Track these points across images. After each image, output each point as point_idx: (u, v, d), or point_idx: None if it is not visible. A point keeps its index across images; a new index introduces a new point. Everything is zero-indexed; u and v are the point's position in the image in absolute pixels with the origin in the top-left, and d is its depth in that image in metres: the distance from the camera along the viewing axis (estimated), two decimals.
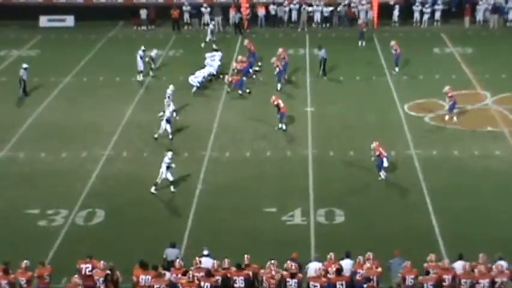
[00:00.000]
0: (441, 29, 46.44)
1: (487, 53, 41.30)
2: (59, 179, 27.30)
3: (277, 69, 35.42)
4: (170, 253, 20.38)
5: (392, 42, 37.93)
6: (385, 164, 26.34)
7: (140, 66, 37.23)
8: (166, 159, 25.99)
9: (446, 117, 31.66)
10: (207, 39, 43.02)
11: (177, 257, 20.00)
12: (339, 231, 23.45)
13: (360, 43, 43.03)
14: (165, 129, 29.84)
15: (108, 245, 22.39)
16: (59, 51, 43.45)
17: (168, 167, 25.92)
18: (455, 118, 31.50)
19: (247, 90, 34.99)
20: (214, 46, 41.01)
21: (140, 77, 37.32)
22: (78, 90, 36.68)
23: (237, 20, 46.66)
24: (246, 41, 39.36)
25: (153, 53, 38.37)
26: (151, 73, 37.93)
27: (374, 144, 26.73)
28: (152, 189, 25.92)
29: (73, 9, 49.25)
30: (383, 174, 26.52)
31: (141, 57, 37.22)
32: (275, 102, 30.91)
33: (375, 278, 18.46)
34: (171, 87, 32.20)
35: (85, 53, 42.05)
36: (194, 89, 35.37)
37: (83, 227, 24.12)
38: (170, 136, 29.76)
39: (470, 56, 40.80)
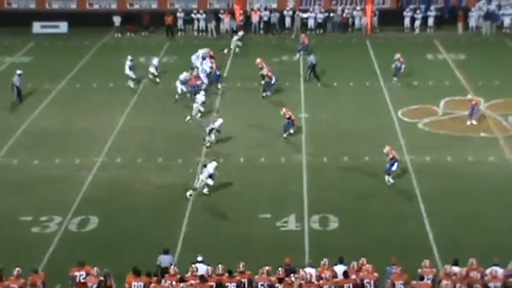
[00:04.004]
0: (435, 36, 46.59)
1: (480, 60, 41.43)
2: (53, 186, 27.24)
3: (270, 79, 35.22)
4: (164, 260, 20.34)
5: (397, 55, 37.20)
6: (394, 167, 26.37)
7: (131, 74, 37.22)
8: (210, 169, 25.90)
9: (468, 123, 31.70)
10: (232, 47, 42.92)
11: (171, 264, 19.94)
12: (333, 237, 23.44)
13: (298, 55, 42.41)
14: (211, 137, 29.86)
15: (102, 252, 22.31)
16: (52, 58, 43.44)
17: (211, 176, 25.90)
18: (474, 122, 31.60)
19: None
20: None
21: (131, 84, 37.29)
22: (71, 96, 36.64)
23: (235, 27, 46.66)
24: (258, 60, 37.33)
25: (155, 61, 38.41)
26: (157, 80, 37.99)
27: (387, 148, 26.74)
28: (189, 194, 25.94)
29: (66, 16, 49.27)
30: (390, 178, 26.56)
31: (130, 68, 37.18)
32: (287, 115, 30.61)
33: (372, 282, 18.48)
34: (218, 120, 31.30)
35: (78, 60, 42.01)
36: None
37: (77, 233, 24.05)
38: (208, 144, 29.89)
39: (463, 63, 40.91)
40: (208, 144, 29.88)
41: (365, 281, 18.50)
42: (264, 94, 35.14)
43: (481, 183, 26.78)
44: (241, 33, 44.18)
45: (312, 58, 38.01)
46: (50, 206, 25.53)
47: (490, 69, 39.33)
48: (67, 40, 47.00)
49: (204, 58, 37.55)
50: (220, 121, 30.11)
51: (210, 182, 25.97)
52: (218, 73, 36.96)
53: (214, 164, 26.31)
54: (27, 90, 36.78)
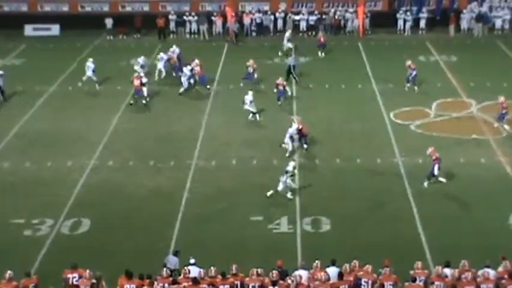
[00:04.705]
0: (426, 37, 46.70)
1: (471, 61, 41.53)
2: (45, 188, 27.17)
3: (284, 88, 34.95)
4: (171, 261, 20.32)
5: (408, 62, 36.85)
6: (436, 171, 26.25)
7: (93, 76, 37.38)
8: (290, 169, 25.85)
9: (495, 125, 31.71)
10: (284, 48, 42.94)
11: (175, 266, 19.94)
12: (325, 239, 23.47)
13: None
14: (292, 145, 29.44)
15: (94, 255, 22.26)
16: (44, 60, 43.32)
17: (292, 175, 25.85)
18: (506, 126, 31.45)
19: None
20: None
21: (97, 87, 37.50)
22: (63, 99, 36.56)
23: (236, 29, 46.61)
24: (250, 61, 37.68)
25: (141, 59, 38.47)
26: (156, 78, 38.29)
27: (430, 150, 26.68)
28: (269, 194, 25.97)
29: (58, 18, 49.11)
30: (426, 183, 26.50)
31: (93, 70, 37.28)
32: (299, 127, 29.55)
33: (370, 282, 18.53)
34: (250, 93, 31.78)
35: (70, 62, 41.90)
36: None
37: (69, 236, 24.00)
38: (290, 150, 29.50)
39: (455, 64, 41.02)
40: (290, 149, 29.36)
41: (363, 280, 18.58)
42: (279, 103, 34.76)
43: (473, 185, 26.84)
44: (288, 33, 43.89)
45: (291, 59, 38.18)
46: (42, 209, 25.46)
47: (481, 71, 39.42)
48: (58, 42, 46.90)
49: (166, 57, 38.47)
50: (295, 126, 29.49)
51: (292, 184, 25.91)
52: (204, 76, 36.84)
53: (292, 163, 26.22)
54: (19, 92, 36.72)
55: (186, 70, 36.46)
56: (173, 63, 38.88)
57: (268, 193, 25.92)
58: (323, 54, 42.96)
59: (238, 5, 49.01)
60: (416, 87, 36.25)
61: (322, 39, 43.16)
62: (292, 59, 38.30)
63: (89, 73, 37.35)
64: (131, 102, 35.24)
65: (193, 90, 36.65)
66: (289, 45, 42.68)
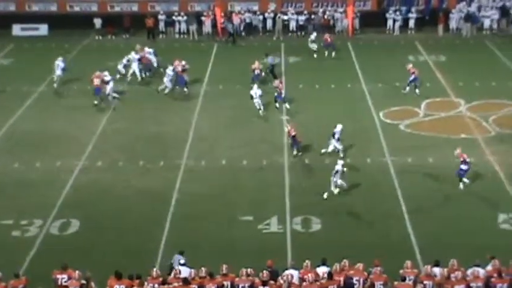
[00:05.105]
0: (415, 37, 46.80)
1: (460, 61, 41.65)
2: (33, 189, 27.05)
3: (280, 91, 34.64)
4: (177, 261, 20.23)
5: (409, 66, 36.72)
6: (465, 169, 26.27)
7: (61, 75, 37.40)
8: (339, 168, 25.74)
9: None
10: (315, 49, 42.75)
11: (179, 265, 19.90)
12: (316, 239, 23.47)
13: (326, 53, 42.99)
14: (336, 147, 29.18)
15: (83, 255, 22.18)
16: (32, 60, 43.13)
17: (343, 172, 25.76)
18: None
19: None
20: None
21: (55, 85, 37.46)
22: (52, 99, 36.43)
23: (232, 30, 46.53)
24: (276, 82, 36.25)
25: (125, 60, 38.45)
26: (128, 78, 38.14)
27: (457, 151, 26.68)
28: (336, 191, 25.88)
29: (46, 18, 48.94)
30: (463, 183, 26.43)
31: (63, 69, 37.29)
32: (292, 134, 29.07)
33: (361, 280, 18.54)
34: (339, 126, 29.39)
35: None
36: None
37: (58, 237, 23.91)
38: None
39: (443, 64, 41.12)
40: (336, 151, 29.13)
41: (354, 279, 18.60)
42: (277, 105, 34.46)
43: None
44: (313, 35, 43.66)
45: (270, 59, 38.17)
46: (30, 210, 25.36)
47: (470, 70, 39.55)
48: (47, 42, 46.71)
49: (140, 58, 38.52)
50: (340, 126, 29.16)
51: (342, 183, 25.82)
52: (183, 76, 36.76)
53: (341, 162, 26.10)
54: (7, 93, 36.56)
55: (169, 71, 36.38)
56: (147, 63, 38.86)
57: (325, 195, 25.77)
58: (333, 54, 42.46)
59: (228, 5, 48.96)
60: (417, 90, 35.77)
61: (329, 39, 42.73)
62: (272, 58, 38.25)
63: (58, 72, 37.26)
64: (96, 102, 35.09)
65: (174, 90, 36.55)
66: (314, 46, 42.61)
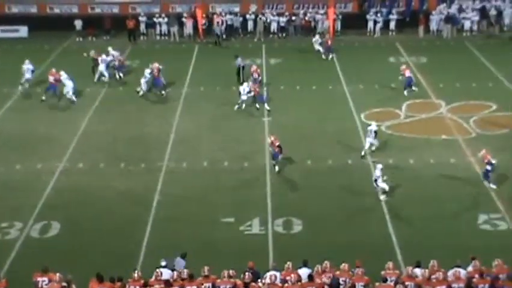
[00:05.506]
0: (396, 39, 46.97)
1: (441, 63, 41.80)
2: (13, 191, 26.89)
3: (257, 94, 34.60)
4: (179, 264, 20.23)
5: (402, 67, 36.87)
6: (487, 173, 26.37)
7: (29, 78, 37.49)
8: (378, 172, 25.66)
9: None
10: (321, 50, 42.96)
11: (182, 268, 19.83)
12: (297, 240, 23.49)
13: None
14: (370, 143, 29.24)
15: (64, 258, 22.06)
16: (12, 62, 42.72)
17: (383, 176, 25.67)
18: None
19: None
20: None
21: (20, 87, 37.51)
22: (32, 101, 36.20)
23: (219, 32, 46.39)
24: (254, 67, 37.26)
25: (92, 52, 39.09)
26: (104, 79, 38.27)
27: (482, 152, 26.72)
28: (383, 198, 25.75)
29: (26, 20, 48.69)
30: (491, 184, 26.45)
31: (33, 71, 37.50)
32: (276, 143, 28.01)
33: (347, 281, 18.61)
34: (374, 124, 29.59)
35: (39, 64, 41.42)
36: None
37: (39, 239, 23.77)
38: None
39: (424, 65, 41.27)
40: (373, 148, 29.32)
41: (341, 280, 18.65)
42: (257, 106, 34.38)
43: (443, 185, 27.01)
44: (317, 37, 43.84)
45: (239, 61, 38.21)
46: (10, 212, 25.20)
47: (450, 72, 39.71)
48: (27, 44, 46.43)
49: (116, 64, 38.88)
50: (374, 124, 29.39)
51: (385, 186, 25.70)
52: (162, 79, 36.64)
53: (379, 166, 25.97)
54: None
55: (146, 73, 36.32)
56: (121, 63, 39.07)
57: (382, 197, 25.75)
58: (330, 57, 42.48)
59: (209, 7, 48.93)
60: (414, 88, 36.00)
61: (329, 43, 42.86)
62: (241, 60, 38.25)
63: (28, 75, 37.19)
64: (43, 98, 35.31)
65: (150, 93, 36.51)
66: (320, 47, 42.80)
